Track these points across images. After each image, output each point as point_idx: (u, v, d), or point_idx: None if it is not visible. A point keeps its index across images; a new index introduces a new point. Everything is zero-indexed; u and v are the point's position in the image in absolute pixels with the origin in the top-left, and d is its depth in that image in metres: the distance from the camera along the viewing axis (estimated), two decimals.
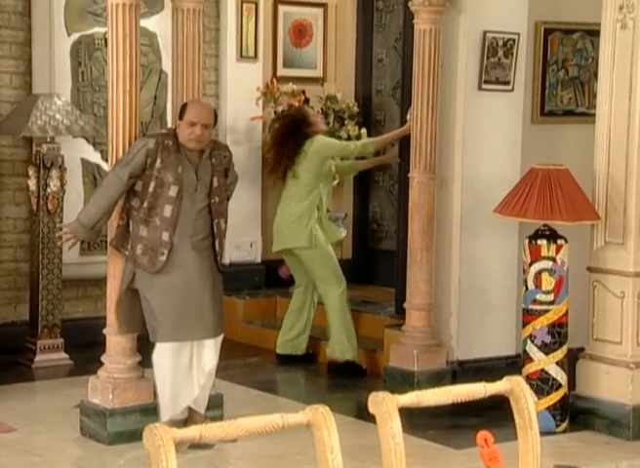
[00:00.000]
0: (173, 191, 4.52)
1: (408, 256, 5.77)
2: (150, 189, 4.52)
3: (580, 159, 5.33)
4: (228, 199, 4.84)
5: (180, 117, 4.62)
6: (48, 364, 6.03)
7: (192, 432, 2.06)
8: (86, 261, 6.51)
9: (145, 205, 4.52)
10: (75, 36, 6.54)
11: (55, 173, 6.05)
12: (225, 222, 4.74)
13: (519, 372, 4.85)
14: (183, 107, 4.65)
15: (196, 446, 4.24)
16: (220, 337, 4.69)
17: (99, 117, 6.52)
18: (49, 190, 6.04)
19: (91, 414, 4.76)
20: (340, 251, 7.59)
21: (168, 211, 4.52)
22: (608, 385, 5.02)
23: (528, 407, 2.42)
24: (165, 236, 4.52)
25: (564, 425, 5.03)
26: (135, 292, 4.60)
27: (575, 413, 5.06)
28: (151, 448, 1.98)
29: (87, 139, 6.53)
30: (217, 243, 4.65)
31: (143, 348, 4.80)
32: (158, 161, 4.51)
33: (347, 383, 5.80)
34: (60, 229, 4.91)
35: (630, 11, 4.92)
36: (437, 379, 5.56)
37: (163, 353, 4.55)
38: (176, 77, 4.94)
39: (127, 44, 4.66)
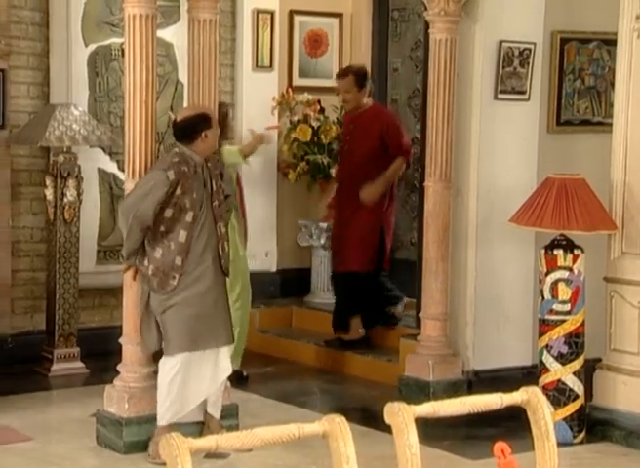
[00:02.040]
0: (189, 217, 4.54)
1: (423, 266, 5.76)
2: (168, 214, 4.52)
3: (596, 168, 5.31)
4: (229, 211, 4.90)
5: (207, 127, 4.60)
6: (64, 373, 6.05)
7: (209, 442, 2.05)
8: (102, 271, 6.52)
9: (162, 229, 4.53)
10: (92, 47, 6.56)
11: (71, 182, 6.08)
12: (225, 226, 4.76)
13: (535, 383, 4.82)
14: (202, 118, 4.62)
15: (212, 455, 4.23)
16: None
17: (115, 127, 6.55)
18: (66, 200, 6.07)
19: (107, 424, 4.77)
20: None
21: (183, 236, 4.54)
22: (625, 396, 4.99)
23: (545, 418, 2.41)
24: (178, 261, 4.54)
25: (581, 436, 5.00)
26: (151, 312, 4.63)
27: (592, 424, 5.03)
28: (168, 457, 1.98)
29: (103, 149, 6.55)
30: (220, 246, 4.66)
31: (157, 356, 4.81)
32: (178, 189, 4.51)
33: (362, 393, 5.79)
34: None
35: None
36: (453, 389, 5.54)
37: (172, 363, 4.56)
38: (192, 87, 4.96)
39: (143, 54, 4.68)
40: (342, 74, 6.38)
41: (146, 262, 4.57)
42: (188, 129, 4.62)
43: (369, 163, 6.18)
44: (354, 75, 6.28)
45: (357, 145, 6.28)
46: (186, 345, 4.54)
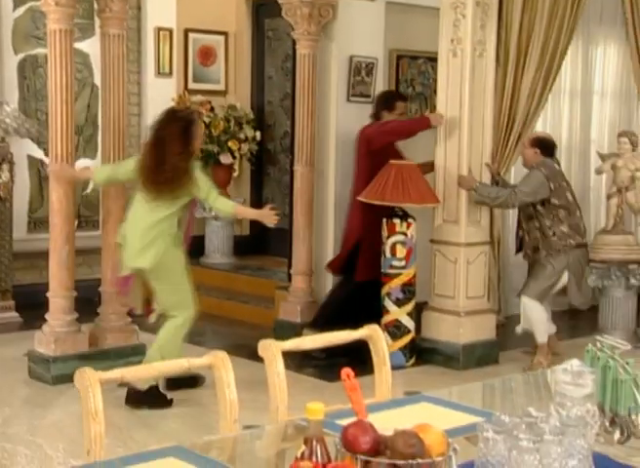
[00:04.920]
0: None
1: (293, 233, 5.77)
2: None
3: (426, 157, 5.42)
4: None
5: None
6: (2, 321, 5.82)
7: (115, 374, 2.01)
8: (32, 238, 6.32)
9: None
10: (21, 55, 6.33)
11: (5, 166, 5.83)
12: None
13: (378, 322, 4.91)
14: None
15: (124, 384, 4.12)
16: None
17: (41, 121, 6.30)
18: (0, 181, 5.81)
19: (37, 361, 4.62)
20: (239, 228, 7.56)
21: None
22: (445, 329, 5.15)
23: (382, 348, 2.45)
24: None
25: (412, 361, 5.13)
26: None
27: (420, 352, 5.17)
28: (81, 387, 1.93)
29: (32, 139, 6.30)
30: None
31: (79, 306, 4.69)
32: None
33: (245, 333, 5.77)
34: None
35: (459, 43, 5.04)
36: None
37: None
38: (105, 89, 4.81)
39: (63, 62, 4.52)
40: (406, 98, 5.57)
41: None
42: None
43: None
44: None
45: None
46: None
